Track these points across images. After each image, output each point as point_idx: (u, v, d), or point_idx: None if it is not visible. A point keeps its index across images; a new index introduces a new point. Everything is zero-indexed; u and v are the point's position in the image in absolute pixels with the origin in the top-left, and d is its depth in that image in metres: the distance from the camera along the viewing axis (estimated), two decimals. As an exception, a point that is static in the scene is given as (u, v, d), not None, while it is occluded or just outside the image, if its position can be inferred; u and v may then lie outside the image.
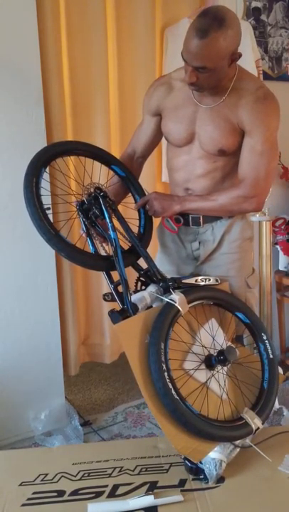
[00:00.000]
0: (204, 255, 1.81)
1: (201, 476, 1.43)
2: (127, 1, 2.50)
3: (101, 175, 1.84)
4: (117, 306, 1.57)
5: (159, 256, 1.94)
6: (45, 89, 2.21)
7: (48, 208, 1.56)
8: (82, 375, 2.89)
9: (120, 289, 1.57)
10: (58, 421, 2.30)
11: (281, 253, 2.98)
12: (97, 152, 1.82)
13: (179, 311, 1.52)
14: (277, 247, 2.99)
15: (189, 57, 1.50)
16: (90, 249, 1.66)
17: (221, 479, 1.43)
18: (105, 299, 1.58)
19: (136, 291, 1.64)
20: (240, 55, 1.55)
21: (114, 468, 1.52)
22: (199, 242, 1.81)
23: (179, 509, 1.32)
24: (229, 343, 1.68)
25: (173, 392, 1.37)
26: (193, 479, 1.44)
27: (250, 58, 2.55)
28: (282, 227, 2.98)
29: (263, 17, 2.93)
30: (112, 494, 1.39)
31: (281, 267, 3.01)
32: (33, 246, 2.18)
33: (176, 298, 1.53)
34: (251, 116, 1.59)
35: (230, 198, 1.67)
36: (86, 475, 1.49)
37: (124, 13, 2.50)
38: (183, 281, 1.64)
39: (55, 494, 1.41)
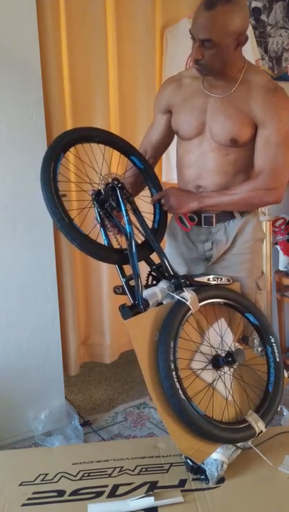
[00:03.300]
0: (217, 256, 1.78)
1: (202, 477, 1.43)
2: (127, 1, 2.50)
3: (119, 165, 1.79)
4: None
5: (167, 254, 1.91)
6: (45, 89, 2.21)
7: (64, 195, 1.51)
8: (82, 375, 2.89)
9: (132, 283, 1.54)
10: (58, 421, 2.30)
11: (281, 253, 2.98)
12: (118, 141, 1.77)
13: (189, 309, 1.49)
14: (277, 247, 2.99)
15: (195, 30, 1.51)
16: (103, 240, 1.62)
17: (221, 480, 1.43)
18: (116, 292, 1.55)
19: (146, 286, 1.61)
20: (246, 38, 1.57)
21: (115, 468, 1.52)
22: (212, 243, 1.78)
23: (179, 509, 1.32)
24: (238, 345, 1.66)
25: (180, 392, 1.36)
26: (193, 479, 1.44)
27: (250, 58, 2.55)
28: (282, 227, 2.98)
29: (263, 17, 2.93)
30: (112, 494, 1.39)
31: (281, 267, 3.01)
32: (33, 246, 2.18)
33: (188, 296, 1.50)
34: (264, 108, 1.60)
35: (251, 191, 1.65)
36: (86, 475, 1.49)
37: (124, 13, 2.50)
38: (195, 279, 1.61)
39: (55, 494, 1.41)
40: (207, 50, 1.53)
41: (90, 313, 2.76)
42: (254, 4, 2.89)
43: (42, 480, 1.48)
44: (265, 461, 1.47)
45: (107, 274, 2.68)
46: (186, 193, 1.71)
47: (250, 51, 2.58)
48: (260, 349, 1.81)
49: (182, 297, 1.50)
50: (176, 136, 1.84)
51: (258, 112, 1.60)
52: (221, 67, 1.59)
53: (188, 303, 1.49)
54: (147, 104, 2.59)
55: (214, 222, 1.75)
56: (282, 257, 2.99)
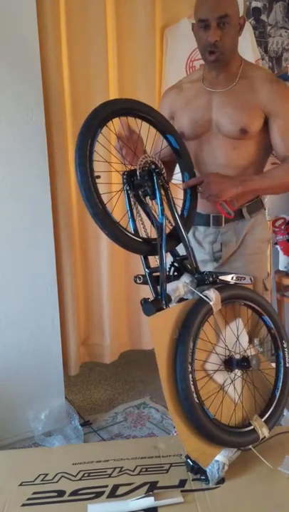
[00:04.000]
0: (226, 256, 1.77)
1: (202, 477, 1.43)
2: (127, 1, 2.50)
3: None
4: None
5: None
6: (45, 89, 2.21)
7: (98, 177, 1.39)
8: (82, 375, 2.89)
9: (154, 275, 1.47)
10: (58, 421, 2.30)
11: (281, 253, 2.99)
12: (159, 118, 1.63)
13: (211, 309, 1.45)
14: (277, 247, 2.99)
15: (210, 10, 1.54)
16: (129, 225, 1.51)
17: (221, 480, 1.43)
18: (136, 281, 1.46)
19: (167, 277, 1.53)
20: (244, 20, 1.63)
21: (115, 468, 1.51)
22: (221, 244, 1.76)
23: (179, 509, 1.32)
24: (251, 347, 1.64)
25: (194, 395, 1.35)
26: (193, 479, 1.44)
27: (250, 58, 2.55)
28: (282, 227, 2.98)
29: (263, 17, 2.93)
30: (112, 494, 1.39)
31: (281, 267, 3.01)
32: (33, 246, 2.18)
33: (212, 296, 1.45)
34: (274, 99, 1.63)
35: None
36: (86, 475, 1.49)
37: (124, 13, 2.50)
38: (220, 277, 1.53)
39: (55, 494, 1.40)
40: (223, 30, 1.56)
41: (90, 313, 2.76)
42: (254, 4, 2.89)
43: (42, 480, 1.47)
44: (265, 461, 1.47)
45: (107, 274, 2.68)
46: (227, 178, 1.63)
47: (250, 51, 2.58)
48: (260, 349, 1.80)
49: (206, 296, 1.45)
50: None
51: (268, 102, 1.63)
52: (232, 52, 1.63)
53: (211, 303, 1.44)
54: (147, 104, 2.59)
55: (223, 222, 1.74)
56: (282, 257, 2.99)
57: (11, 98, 2.05)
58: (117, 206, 1.59)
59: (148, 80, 2.62)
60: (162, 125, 1.65)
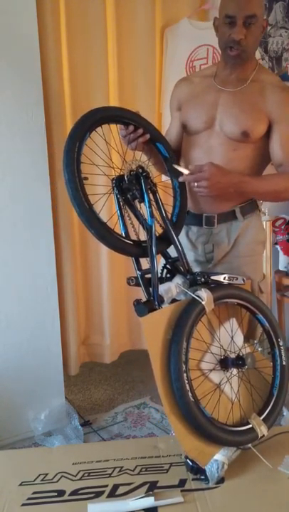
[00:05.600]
0: (218, 257, 1.76)
1: (202, 477, 1.43)
2: (127, 1, 2.50)
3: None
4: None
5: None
6: (45, 89, 2.21)
7: (86, 178, 1.42)
8: (82, 375, 2.89)
9: (147, 276, 1.50)
10: (58, 421, 2.30)
11: (281, 253, 2.99)
12: (148, 126, 1.66)
13: (204, 309, 1.46)
14: (277, 247, 2.99)
15: (239, 8, 1.54)
16: (120, 229, 1.55)
17: (221, 480, 1.43)
18: (129, 283, 1.50)
19: (160, 279, 1.56)
20: (267, 23, 1.65)
21: (114, 468, 1.52)
22: (213, 245, 1.76)
23: (179, 509, 1.32)
24: (247, 346, 1.64)
25: (189, 394, 1.35)
26: (193, 479, 1.44)
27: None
28: (282, 227, 2.98)
29: (263, 17, 2.93)
30: (112, 494, 1.39)
31: (281, 267, 3.01)
32: (33, 246, 2.18)
33: (204, 295, 1.46)
34: (281, 105, 1.63)
35: (285, 181, 1.66)
36: (86, 475, 1.49)
37: (124, 13, 2.50)
38: (211, 277, 1.55)
39: (55, 494, 1.41)
40: (249, 29, 1.56)
41: (90, 313, 2.77)
42: (254, 4, 2.89)
43: (42, 480, 1.48)
44: (264, 461, 1.47)
45: (107, 274, 2.68)
46: (228, 177, 1.59)
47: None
48: (260, 349, 1.81)
49: (198, 296, 1.47)
50: None
51: (275, 108, 1.63)
52: (252, 52, 1.64)
53: (203, 303, 1.45)
54: (147, 104, 2.59)
55: (216, 222, 1.73)
56: (282, 257, 2.99)
57: (11, 98, 2.05)
58: (110, 211, 1.61)
59: (148, 80, 2.62)
60: (152, 134, 1.67)
